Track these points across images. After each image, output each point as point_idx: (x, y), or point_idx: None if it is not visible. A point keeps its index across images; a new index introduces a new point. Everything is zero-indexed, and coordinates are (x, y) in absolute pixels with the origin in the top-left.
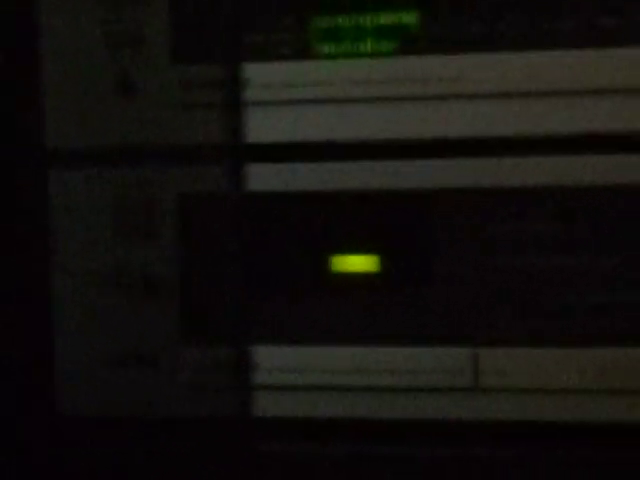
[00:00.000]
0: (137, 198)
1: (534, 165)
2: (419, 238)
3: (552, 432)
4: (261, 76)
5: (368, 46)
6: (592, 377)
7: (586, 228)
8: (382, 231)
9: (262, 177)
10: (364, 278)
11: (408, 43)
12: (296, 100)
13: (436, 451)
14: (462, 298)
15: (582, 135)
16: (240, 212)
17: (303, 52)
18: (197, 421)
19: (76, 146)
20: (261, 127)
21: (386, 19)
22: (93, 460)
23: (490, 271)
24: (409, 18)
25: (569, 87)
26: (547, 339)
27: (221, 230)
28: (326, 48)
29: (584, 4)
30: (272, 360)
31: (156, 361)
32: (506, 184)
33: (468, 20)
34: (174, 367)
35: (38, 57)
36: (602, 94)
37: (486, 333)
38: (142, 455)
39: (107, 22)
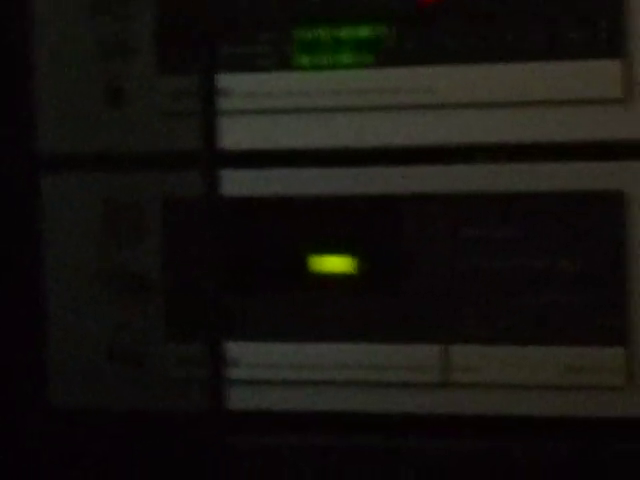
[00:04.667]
0: (124, 202)
1: (503, 171)
2: (392, 241)
3: (520, 427)
4: (243, 86)
5: (346, 58)
6: (558, 374)
7: (548, 232)
8: (357, 234)
9: (243, 182)
10: (340, 278)
11: (384, 55)
12: (276, 109)
13: (407, 443)
14: (433, 298)
15: (548, 143)
16: (220, 216)
17: (283, 63)
18: (176, 415)
19: (66, 151)
20: (243, 134)
21: (364, 32)
22: (78, 450)
23: (460, 272)
24: (385, 32)
25: (535, 97)
26: (515, 337)
27: (203, 233)
28: (305, 60)
29: (549, 18)
30: (251, 356)
31: (142, 357)
32: (475, 190)
33: (441, 34)
34: (158, 363)
35: (30, 64)
36: (572, 104)
37: (456, 331)
38: (121, 447)
39: (98, 31)
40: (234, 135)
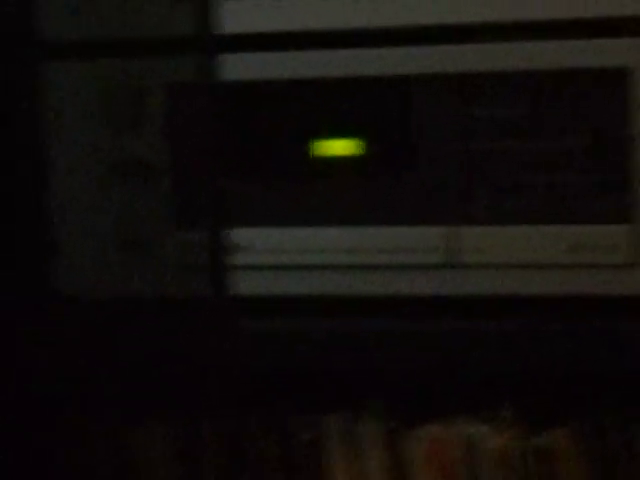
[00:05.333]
0: (127, 88)
1: (511, 50)
2: (399, 122)
3: (525, 306)
4: None
5: None
6: (563, 252)
7: (555, 110)
8: (364, 117)
9: (246, 66)
10: (347, 161)
11: None
12: None
13: (412, 326)
14: (439, 179)
15: (555, 21)
16: (222, 101)
17: None
18: (181, 301)
19: (68, 38)
20: (245, 17)
21: None
22: (86, 338)
23: (467, 153)
24: None
25: None
26: (520, 217)
27: (205, 118)
28: None
29: None
30: (256, 241)
31: (149, 245)
32: (484, 69)
33: None
34: (165, 250)
35: None
36: None
37: (463, 212)
38: (130, 334)
39: None
40: (236, 18)
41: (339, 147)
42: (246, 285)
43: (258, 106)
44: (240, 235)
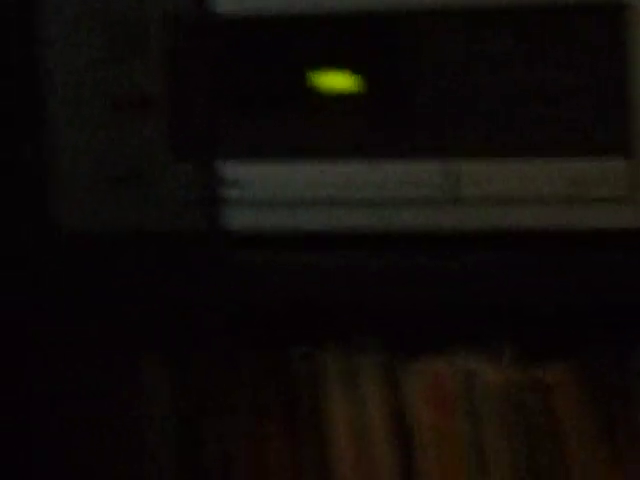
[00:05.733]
0: (128, 18)
1: None
2: (395, 58)
3: (524, 240)
4: None
5: None
6: (562, 186)
7: (552, 45)
8: (359, 51)
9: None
10: (345, 96)
11: None
12: None
13: (412, 260)
14: (438, 114)
15: None
16: (221, 34)
17: None
18: (177, 234)
19: None
20: None
21: None
22: (86, 272)
23: (465, 88)
24: None
25: None
26: (519, 151)
27: (204, 52)
28: None
29: None
30: (253, 176)
31: (148, 178)
32: (479, 4)
33: None
34: (164, 183)
35: None
36: None
37: (462, 147)
38: (128, 267)
39: None
40: None
41: (338, 81)
42: (245, 219)
43: (256, 40)
44: (237, 170)
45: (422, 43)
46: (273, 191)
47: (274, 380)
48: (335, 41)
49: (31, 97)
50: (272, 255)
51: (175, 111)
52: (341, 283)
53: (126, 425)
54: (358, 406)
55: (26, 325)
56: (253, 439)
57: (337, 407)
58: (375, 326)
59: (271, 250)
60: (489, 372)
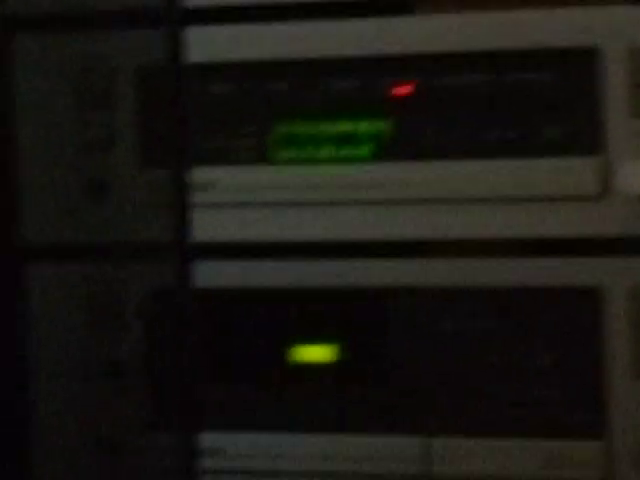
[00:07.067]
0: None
1: (481, 266)
2: (371, 332)
3: None
4: (224, 179)
5: (327, 152)
6: (537, 467)
7: (525, 326)
8: (337, 326)
9: (225, 274)
10: (321, 368)
11: (371, 150)
12: (257, 203)
13: None
14: (413, 389)
15: (525, 239)
16: (200, 307)
17: (263, 157)
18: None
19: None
20: (228, 226)
21: (343, 127)
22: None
23: (439, 364)
24: (365, 127)
25: (511, 193)
26: (494, 430)
27: (182, 323)
28: (284, 154)
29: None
30: (231, 446)
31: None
32: (454, 284)
33: (414, 129)
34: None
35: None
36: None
37: (437, 423)
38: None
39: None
40: (214, 227)
41: (315, 353)
42: None
43: (237, 312)
44: (213, 439)
45: (396, 319)
46: (249, 462)
47: None
48: (315, 315)
49: None
50: None
51: (152, 384)
52: None
53: None
54: None
55: None
56: None
57: None
58: None
59: None
60: None
